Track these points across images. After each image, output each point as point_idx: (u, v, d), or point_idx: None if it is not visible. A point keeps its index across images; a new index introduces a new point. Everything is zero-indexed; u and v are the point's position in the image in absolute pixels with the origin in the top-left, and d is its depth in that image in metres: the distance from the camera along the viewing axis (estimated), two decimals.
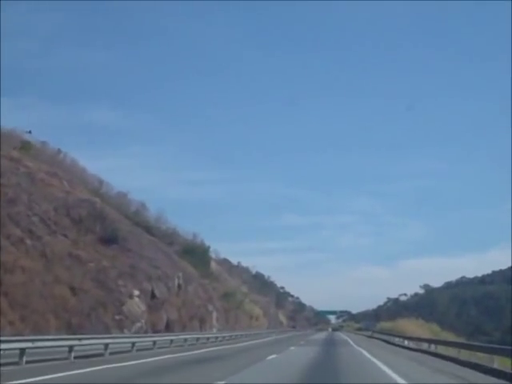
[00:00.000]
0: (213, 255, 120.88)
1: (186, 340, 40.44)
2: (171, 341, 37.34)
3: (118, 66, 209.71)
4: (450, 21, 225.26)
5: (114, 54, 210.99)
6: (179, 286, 54.44)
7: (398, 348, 39.89)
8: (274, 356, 27.15)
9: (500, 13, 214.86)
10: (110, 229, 51.67)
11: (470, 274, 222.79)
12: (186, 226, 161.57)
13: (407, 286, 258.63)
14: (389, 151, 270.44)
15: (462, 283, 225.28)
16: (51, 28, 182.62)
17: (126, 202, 73.77)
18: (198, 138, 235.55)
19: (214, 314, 68.38)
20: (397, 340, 44.22)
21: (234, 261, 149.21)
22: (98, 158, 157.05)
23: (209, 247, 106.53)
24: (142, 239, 55.02)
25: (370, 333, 73.00)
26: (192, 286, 60.35)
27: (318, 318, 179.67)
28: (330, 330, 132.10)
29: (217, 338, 49.99)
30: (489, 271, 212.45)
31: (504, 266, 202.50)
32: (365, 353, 31.48)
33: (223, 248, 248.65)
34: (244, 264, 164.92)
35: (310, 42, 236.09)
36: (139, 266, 48.84)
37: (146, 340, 35.07)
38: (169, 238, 79.34)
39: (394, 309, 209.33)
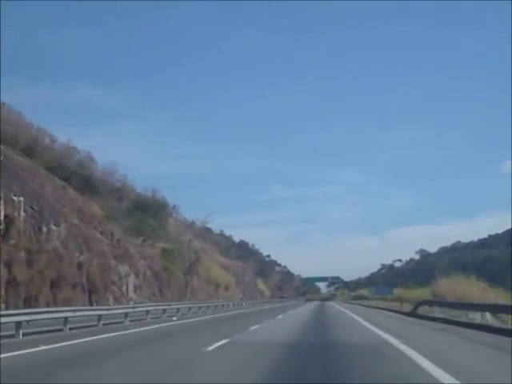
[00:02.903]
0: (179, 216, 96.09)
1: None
2: None
3: (99, 43, 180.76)
4: None
5: (95, 31, 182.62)
6: (9, 220, 25.45)
7: None
8: None
9: None
10: None
11: (464, 239, 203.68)
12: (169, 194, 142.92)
13: (399, 254, 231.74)
14: (375, 121, 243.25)
15: (458, 248, 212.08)
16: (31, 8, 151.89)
17: (69, 153, 62.01)
18: (181, 113, 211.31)
19: (132, 280, 39.75)
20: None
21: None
22: (83, 137, 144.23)
23: (166, 204, 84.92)
24: None
25: (403, 305, 38.63)
26: (65, 228, 31.29)
27: (307, 287, 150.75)
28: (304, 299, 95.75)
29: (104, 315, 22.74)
30: (485, 235, 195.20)
31: (498, 231, 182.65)
32: None
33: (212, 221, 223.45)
34: (227, 233, 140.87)
35: (293, 17, 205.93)
36: None
37: None
38: (118, 192, 67.92)
39: (390, 275, 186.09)
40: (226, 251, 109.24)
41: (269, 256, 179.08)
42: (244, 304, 62.54)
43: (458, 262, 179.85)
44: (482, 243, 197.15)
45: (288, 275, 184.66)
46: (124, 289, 37.52)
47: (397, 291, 66.22)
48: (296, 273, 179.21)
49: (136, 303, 38.93)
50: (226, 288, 78.25)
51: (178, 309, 31.23)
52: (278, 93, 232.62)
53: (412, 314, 29.41)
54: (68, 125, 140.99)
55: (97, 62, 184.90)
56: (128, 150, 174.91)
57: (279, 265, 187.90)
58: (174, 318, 27.68)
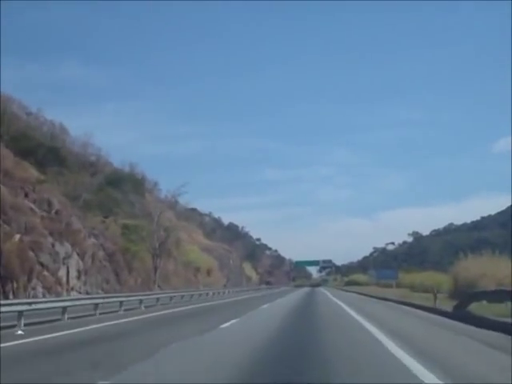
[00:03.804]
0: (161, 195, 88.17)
1: None
2: None
3: (90, 20, 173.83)
4: None
5: (81, 7, 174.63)
6: None
7: None
8: None
9: None
10: None
11: (456, 221, 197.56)
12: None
13: (392, 237, 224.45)
14: (366, 101, 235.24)
15: (451, 230, 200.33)
16: None
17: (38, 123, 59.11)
18: (172, 92, 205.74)
19: (75, 262, 30.85)
20: None
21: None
22: (73, 117, 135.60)
23: (143, 180, 77.64)
24: None
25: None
26: None
27: (298, 271, 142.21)
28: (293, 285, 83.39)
29: None
30: (477, 217, 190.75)
31: (491, 212, 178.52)
32: None
33: (202, 204, 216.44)
34: (216, 215, 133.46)
35: None
36: None
37: None
38: (92, 166, 63.38)
39: (382, 259, 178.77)
40: (211, 233, 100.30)
41: (259, 239, 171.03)
42: (214, 294, 46.99)
43: (451, 245, 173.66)
44: (475, 225, 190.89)
45: (278, 259, 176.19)
46: (62, 274, 28.73)
47: (407, 275, 56.78)
48: (287, 257, 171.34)
49: (80, 293, 30.10)
50: (208, 273, 69.51)
51: (64, 307, 17.93)
52: (267, 73, 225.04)
53: (461, 315, 16.41)
54: (54, 104, 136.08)
55: (83, 39, 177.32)
56: (115, 130, 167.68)
57: (270, 248, 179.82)
58: (19, 332, 13.53)
